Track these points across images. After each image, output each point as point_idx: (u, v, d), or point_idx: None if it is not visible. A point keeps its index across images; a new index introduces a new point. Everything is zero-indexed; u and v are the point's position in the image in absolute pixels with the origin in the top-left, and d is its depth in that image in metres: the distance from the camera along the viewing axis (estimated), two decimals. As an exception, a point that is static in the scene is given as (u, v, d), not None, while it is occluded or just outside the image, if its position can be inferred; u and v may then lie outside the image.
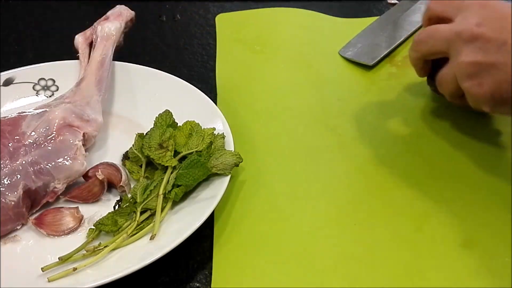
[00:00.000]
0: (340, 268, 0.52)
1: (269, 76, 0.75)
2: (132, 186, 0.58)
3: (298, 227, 0.56)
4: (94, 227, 0.54)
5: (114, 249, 0.52)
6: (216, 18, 0.85)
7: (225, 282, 0.51)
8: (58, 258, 0.51)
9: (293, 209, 0.58)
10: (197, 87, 0.67)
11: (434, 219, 0.56)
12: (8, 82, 0.69)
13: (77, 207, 0.57)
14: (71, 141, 0.59)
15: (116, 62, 0.70)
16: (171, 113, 0.61)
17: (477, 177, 0.60)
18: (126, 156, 0.61)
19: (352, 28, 0.82)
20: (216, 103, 0.67)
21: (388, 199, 0.58)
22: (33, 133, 0.59)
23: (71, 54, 0.71)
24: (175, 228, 0.53)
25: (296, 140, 0.65)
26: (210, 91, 0.71)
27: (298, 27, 0.83)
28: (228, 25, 0.84)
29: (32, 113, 0.61)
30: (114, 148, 0.64)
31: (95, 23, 0.72)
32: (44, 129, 0.59)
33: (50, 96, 0.69)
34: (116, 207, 0.56)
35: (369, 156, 0.63)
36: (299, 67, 0.76)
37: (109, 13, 0.73)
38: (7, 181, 0.55)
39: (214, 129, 0.60)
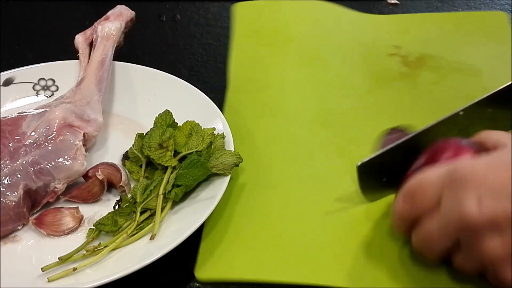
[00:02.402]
0: (340, 268, 0.52)
1: (276, 72, 0.75)
2: (132, 186, 0.58)
3: (298, 228, 0.56)
4: (94, 227, 0.54)
5: (114, 249, 0.52)
6: (235, 7, 0.85)
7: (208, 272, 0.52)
8: (58, 258, 0.51)
9: (293, 209, 0.57)
10: (197, 87, 0.67)
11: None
12: (8, 82, 0.69)
13: (77, 207, 0.57)
14: (71, 141, 0.59)
15: (116, 62, 0.70)
16: (171, 113, 0.61)
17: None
18: (126, 156, 0.61)
19: (369, 23, 0.81)
20: (225, 100, 0.67)
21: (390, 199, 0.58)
22: (33, 133, 0.59)
23: (71, 54, 0.71)
24: (175, 228, 0.53)
25: (297, 139, 0.65)
26: (210, 91, 0.71)
27: (314, 20, 0.83)
28: (245, 15, 0.84)
29: (32, 113, 0.61)
30: (114, 148, 0.64)
31: (95, 23, 0.72)
32: (44, 129, 0.59)
33: (50, 96, 0.69)
34: (116, 207, 0.56)
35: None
36: (308, 61, 0.76)
37: (109, 13, 0.73)
38: (7, 181, 0.55)
39: (214, 129, 0.60)
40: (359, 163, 0.53)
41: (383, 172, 0.54)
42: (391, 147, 0.53)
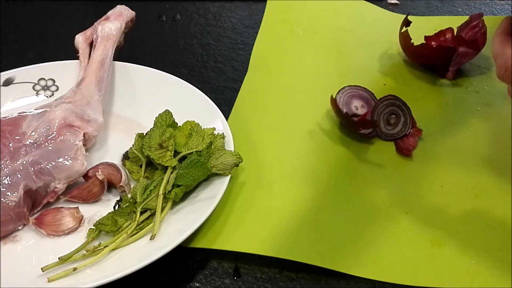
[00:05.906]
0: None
1: (292, 67, 0.76)
2: (132, 186, 0.58)
3: (298, 228, 0.56)
4: (94, 227, 0.54)
5: (114, 249, 0.52)
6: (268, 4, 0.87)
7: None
8: (58, 258, 0.51)
9: (293, 209, 0.57)
10: (197, 87, 0.67)
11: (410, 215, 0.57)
12: (8, 82, 0.69)
13: (77, 207, 0.57)
14: (72, 141, 0.59)
15: (116, 62, 0.70)
16: (171, 113, 0.62)
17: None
18: (126, 156, 0.61)
19: (397, 21, 0.81)
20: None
21: (392, 201, 0.58)
22: (33, 133, 0.59)
23: (71, 54, 0.71)
24: (175, 228, 0.53)
25: (297, 139, 0.65)
26: (210, 91, 0.71)
27: (342, 14, 0.85)
28: (277, 6, 0.86)
29: (32, 113, 0.61)
30: (114, 148, 0.64)
31: (95, 23, 0.72)
32: (44, 129, 0.59)
33: (50, 96, 0.69)
34: (116, 207, 0.56)
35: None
36: (329, 54, 0.77)
37: (109, 13, 0.73)
38: (7, 181, 0.55)
39: (214, 129, 0.60)
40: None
41: None
42: None
